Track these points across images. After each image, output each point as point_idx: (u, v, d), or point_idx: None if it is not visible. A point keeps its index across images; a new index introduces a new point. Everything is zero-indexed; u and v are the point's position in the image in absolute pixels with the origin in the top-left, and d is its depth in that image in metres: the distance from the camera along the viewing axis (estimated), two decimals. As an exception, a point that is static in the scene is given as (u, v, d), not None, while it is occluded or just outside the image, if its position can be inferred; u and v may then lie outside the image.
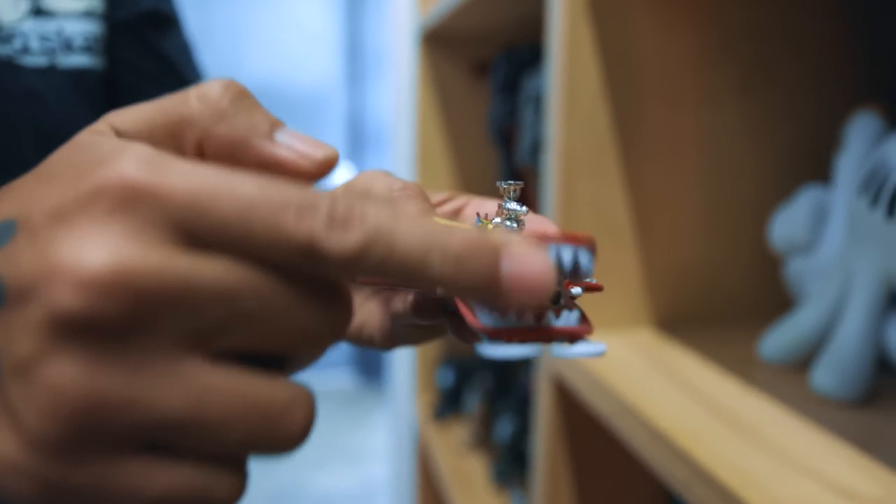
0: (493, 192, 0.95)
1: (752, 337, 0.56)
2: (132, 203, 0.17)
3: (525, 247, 0.18)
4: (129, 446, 0.18)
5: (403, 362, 1.77)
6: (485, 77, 1.25)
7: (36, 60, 0.46)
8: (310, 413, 0.21)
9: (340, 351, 3.67)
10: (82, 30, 0.48)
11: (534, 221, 0.25)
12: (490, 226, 0.23)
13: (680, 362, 0.52)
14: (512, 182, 0.23)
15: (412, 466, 1.62)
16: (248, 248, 0.18)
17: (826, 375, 0.46)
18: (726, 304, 0.62)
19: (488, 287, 0.18)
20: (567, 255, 0.20)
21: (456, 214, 0.30)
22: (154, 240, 0.17)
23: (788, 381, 0.49)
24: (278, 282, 0.19)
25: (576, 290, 0.22)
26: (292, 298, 0.19)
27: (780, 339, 0.52)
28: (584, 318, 0.21)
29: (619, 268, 0.60)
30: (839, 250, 0.51)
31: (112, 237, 0.17)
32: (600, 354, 0.20)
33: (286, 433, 0.20)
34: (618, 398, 0.45)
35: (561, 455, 0.62)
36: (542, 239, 0.20)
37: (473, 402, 1.27)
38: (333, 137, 3.63)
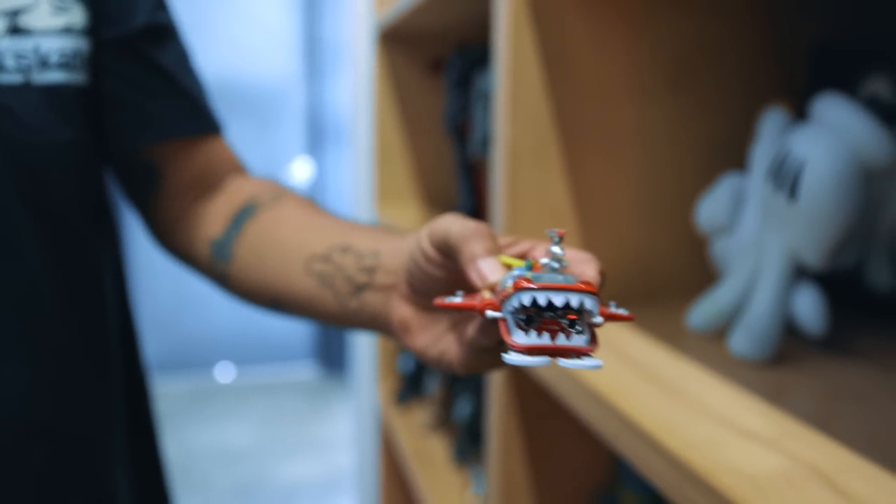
0: (450, 184, 1.03)
1: (681, 310, 0.62)
2: None
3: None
4: None
5: (365, 351, 1.81)
6: (440, 74, 1.29)
7: (10, 78, 0.48)
8: None
9: (303, 343, 3.70)
10: (59, 46, 0.50)
11: (577, 261, 0.32)
12: (537, 266, 0.30)
13: (616, 334, 0.58)
14: (556, 230, 0.30)
15: (376, 452, 1.66)
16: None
17: (741, 339, 0.52)
18: (659, 283, 0.68)
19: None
20: (558, 299, 0.26)
21: (523, 256, 0.35)
22: None
23: (710, 346, 0.55)
24: None
25: (597, 319, 0.28)
26: None
27: (703, 310, 0.58)
28: (593, 338, 0.28)
29: (562, 251, 0.65)
30: (754, 231, 0.57)
31: None
32: (596, 367, 0.27)
33: None
34: (578, 381, 0.51)
35: (513, 427, 0.67)
36: (534, 285, 0.27)
37: (433, 384, 1.32)
38: (292, 133, 3.64)
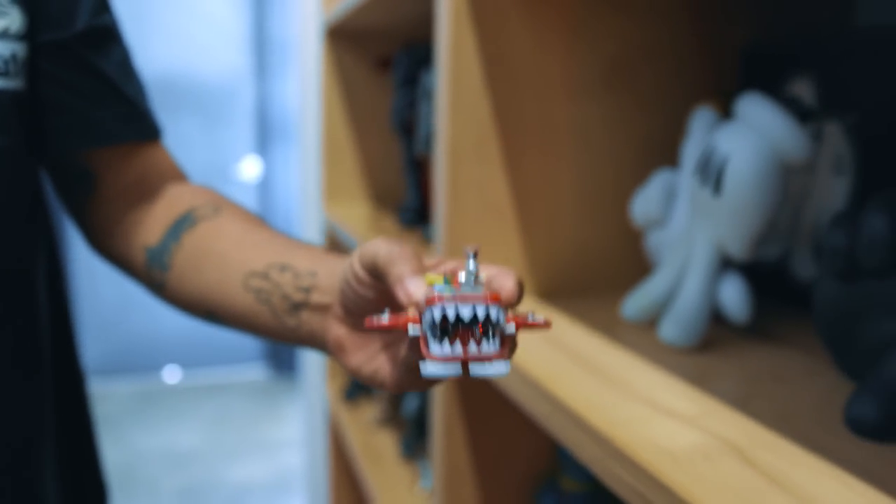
0: (398, 181, 1.04)
1: (616, 301, 0.64)
2: None
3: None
4: None
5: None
6: (388, 71, 1.30)
7: None
8: None
9: (252, 345, 3.66)
10: None
11: (496, 275, 0.33)
12: (455, 281, 0.32)
13: (554, 324, 0.60)
14: (471, 246, 0.32)
15: (326, 451, 1.66)
16: None
17: (670, 327, 0.54)
18: (596, 275, 0.70)
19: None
20: (465, 311, 0.29)
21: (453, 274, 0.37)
22: None
23: (642, 334, 0.57)
24: None
25: (509, 328, 0.30)
26: None
27: (636, 301, 0.60)
28: (503, 346, 0.30)
29: (502, 244, 0.67)
30: (684, 224, 0.59)
31: None
32: (501, 374, 0.29)
33: None
34: (517, 368, 0.52)
35: (456, 418, 0.69)
36: (439, 300, 0.29)
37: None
38: (241, 129, 3.60)
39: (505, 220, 0.67)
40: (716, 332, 0.56)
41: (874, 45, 0.57)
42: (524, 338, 0.56)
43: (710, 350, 0.54)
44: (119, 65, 0.58)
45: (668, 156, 0.68)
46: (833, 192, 0.59)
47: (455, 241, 0.66)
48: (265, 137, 3.62)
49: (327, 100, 1.39)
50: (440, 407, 0.69)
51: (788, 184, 0.54)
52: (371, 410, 1.38)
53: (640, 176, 0.68)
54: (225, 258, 0.50)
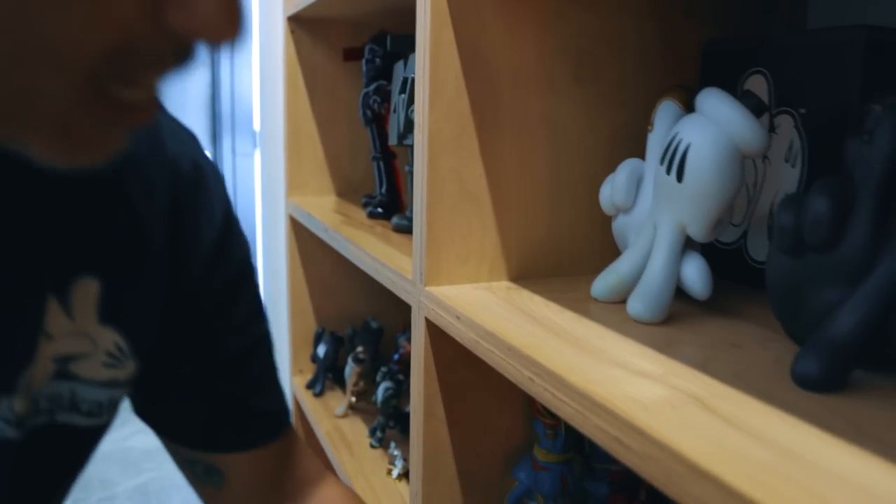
0: (365, 172, 1.08)
1: (586, 283, 0.69)
2: None
3: None
4: None
5: (277, 346, 1.82)
6: (354, 62, 1.32)
7: (40, 419, 0.46)
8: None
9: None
10: (95, 398, 0.48)
11: None
12: None
13: (530, 303, 0.64)
14: None
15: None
16: None
17: (637, 303, 0.59)
18: (567, 259, 0.74)
19: None
20: None
21: None
22: None
23: (611, 311, 0.62)
24: None
25: None
26: None
27: (604, 280, 0.64)
28: None
29: (479, 231, 0.71)
30: (649, 209, 0.64)
31: None
32: None
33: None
34: (481, 326, 0.56)
35: (434, 395, 0.72)
36: None
37: (349, 371, 1.35)
38: (192, 121, 3.57)
39: (481, 207, 0.71)
40: (679, 307, 0.61)
41: (822, 46, 0.63)
42: (501, 311, 0.60)
43: (674, 323, 0.58)
44: (260, 370, 0.60)
45: (635, 146, 0.73)
46: (786, 179, 0.65)
47: (434, 227, 0.69)
48: (219, 125, 3.56)
49: (290, 89, 1.40)
50: (419, 387, 0.72)
51: (745, 171, 0.60)
52: (337, 402, 1.41)
53: (608, 165, 0.73)
54: None
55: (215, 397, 0.57)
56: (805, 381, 0.44)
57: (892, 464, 0.34)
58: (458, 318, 0.61)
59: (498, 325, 0.56)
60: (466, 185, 0.70)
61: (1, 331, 0.41)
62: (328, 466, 1.49)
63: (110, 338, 0.47)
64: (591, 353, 0.50)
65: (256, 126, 3.26)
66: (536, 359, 0.48)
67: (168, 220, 0.50)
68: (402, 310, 1.05)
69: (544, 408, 0.72)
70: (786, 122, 0.66)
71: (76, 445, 0.50)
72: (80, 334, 0.46)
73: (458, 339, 0.62)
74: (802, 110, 0.64)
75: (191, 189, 0.52)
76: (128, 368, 0.50)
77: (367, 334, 1.38)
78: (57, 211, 0.44)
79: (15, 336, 0.42)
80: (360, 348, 1.34)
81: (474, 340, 0.58)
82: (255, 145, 3.30)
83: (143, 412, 0.59)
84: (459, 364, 0.72)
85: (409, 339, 1.22)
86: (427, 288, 0.69)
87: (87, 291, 0.45)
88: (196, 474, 0.60)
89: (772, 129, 0.67)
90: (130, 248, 0.48)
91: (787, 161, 0.65)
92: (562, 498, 0.74)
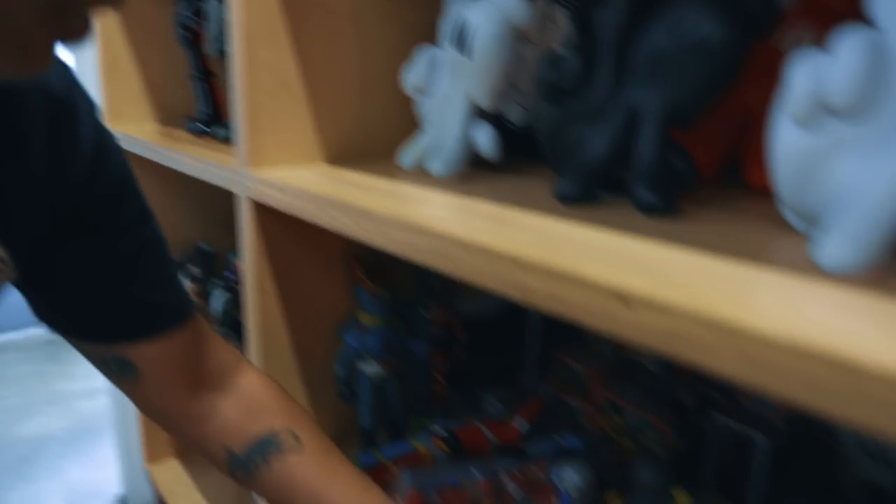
0: (185, 95, 1.11)
1: (395, 160, 0.77)
2: None
3: None
4: None
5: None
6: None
7: None
8: None
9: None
10: None
11: None
12: None
13: (346, 175, 0.71)
14: None
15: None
16: None
17: (436, 164, 0.68)
18: (381, 144, 0.82)
19: None
20: None
21: None
22: None
23: (417, 176, 0.71)
24: None
25: None
26: None
27: (410, 151, 0.73)
28: None
29: (295, 118, 0.77)
30: (445, 88, 0.73)
31: None
32: None
33: None
34: (303, 190, 0.63)
35: (264, 263, 0.78)
36: None
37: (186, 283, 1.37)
38: None
39: (296, 97, 0.77)
40: (473, 171, 0.71)
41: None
42: (319, 180, 0.67)
43: (468, 179, 0.68)
44: (151, 273, 0.64)
45: (431, 37, 0.81)
46: (558, 44, 0.76)
47: (252, 116, 0.75)
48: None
49: (101, 19, 1.37)
50: (251, 266, 0.78)
51: (524, 48, 0.70)
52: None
53: (409, 55, 0.81)
54: (316, 498, 0.62)
55: (112, 295, 0.62)
56: (566, 198, 0.55)
57: (616, 234, 0.45)
58: (280, 190, 0.68)
59: (317, 187, 0.63)
60: (281, 76, 0.75)
61: None
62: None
63: None
64: (400, 198, 0.59)
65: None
66: (353, 203, 0.56)
67: (44, 136, 0.54)
68: (229, 232, 1.09)
69: (365, 274, 0.80)
70: (562, 14, 0.77)
71: None
72: None
73: (281, 209, 0.68)
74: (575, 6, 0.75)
75: (64, 107, 0.56)
76: (7, 274, 0.54)
77: (199, 256, 1.40)
78: None
79: None
80: (195, 269, 1.36)
81: (297, 205, 0.65)
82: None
83: (44, 316, 0.63)
84: (286, 241, 0.78)
85: (239, 257, 1.26)
86: (250, 171, 0.74)
87: None
88: (111, 370, 0.65)
89: (550, 18, 0.78)
90: (9, 165, 0.52)
91: (563, 48, 0.76)
92: (388, 356, 0.83)
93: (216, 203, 1.48)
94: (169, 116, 1.45)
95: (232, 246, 1.45)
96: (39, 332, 3.43)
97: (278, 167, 0.76)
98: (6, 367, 3.08)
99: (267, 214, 0.75)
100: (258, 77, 0.74)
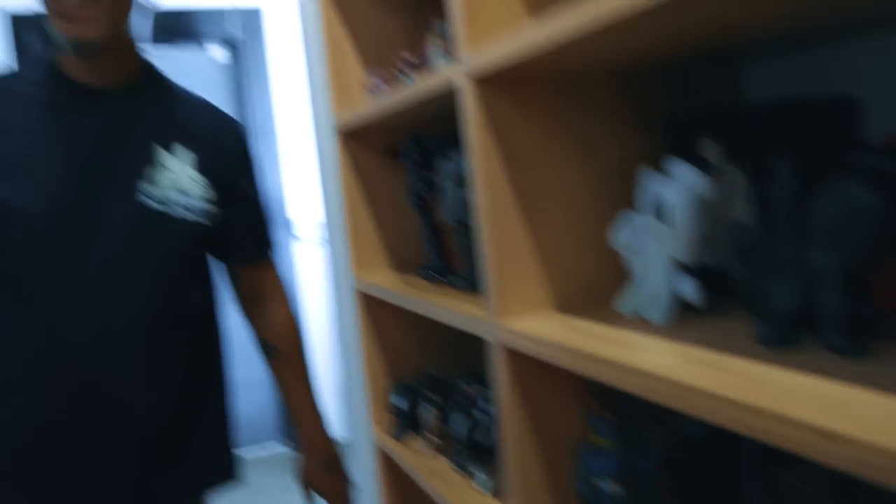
0: (417, 247, 1.47)
1: (606, 308, 0.94)
2: None
3: None
4: None
5: (356, 394, 2.04)
6: (395, 158, 1.60)
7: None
8: None
9: (265, 425, 3.85)
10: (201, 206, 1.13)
11: None
12: None
13: (576, 323, 0.89)
14: None
15: (377, 486, 1.89)
16: None
17: (653, 313, 0.84)
18: (594, 291, 1.00)
19: None
20: None
21: None
22: None
23: (635, 321, 0.87)
24: None
25: None
26: None
27: (627, 301, 0.90)
28: None
29: (529, 276, 0.97)
30: (649, 247, 0.90)
31: None
32: None
33: None
34: (559, 344, 0.81)
35: (516, 398, 0.97)
36: None
37: (429, 415, 1.58)
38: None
39: (529, 261, 0.97)
40: (682, 313, 0.86)
41: (752, 116, 0.89)
42: (559, 330, 0.85)
43: (679, 323, 0.84)
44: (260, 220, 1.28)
45: (627, 200, 0.99)
46: (742, 213, 0.90)
47: (500, 278, 0.95)
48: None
49: (346, 187, 1.68)
50: (505, 404, 0.97)
51: (714, 209, 0.85)
52: (418, 443, 1.62)
53: (613, 218, 0.99)
54: (285, 390, 1.32)
55: (239, 232, 1.23)
56: (765, 342, 0.69)
57: (820, 379, 0.59)
58: (529, 340, 0.87)
59: (558, 336, 0.82)
60: (515, 242, 0.96)
61: (138, 153, 1.07)
62: (420, 493, 1.71)
63: (200, 179, 1.11)
64: (627, 346, 0.75)
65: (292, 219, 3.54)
66: (592, 353, 0.74)
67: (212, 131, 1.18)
68: (447, 359, 1.44)
69: (596, 402, 0.96)
70: (737, 174, 0.92)
71: (180, 234, 1.09)
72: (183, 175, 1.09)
73: (531, 356, 0.87)
74: (746, 163, 0.90)
75: (229, 126, 1.22)
76: (210, 195, 1.12)
77: (433, 382, 1.62)
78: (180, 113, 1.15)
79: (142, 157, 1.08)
80: (433, 395, 1.57)
81: (544, 352, 0.83)
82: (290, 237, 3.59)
83: (210, 247, 1.20)
84: (531, 378, 0.97)
85: (465, 382, 1.46)
86: (500, 321, 0.94)
87: (184, 152, 1.10)
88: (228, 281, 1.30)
89: (725, 180, 0.93)
90: (200, 139, 1.13)
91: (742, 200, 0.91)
92: (621, 475, 0.97)
93: (436, 334, 1.71)
94: (405, 262, 1.72)
95: (453, 370, 1.66)
96: (275, 450, 3.83)
97: (519, 317, 0.95)
98: (251, 482, 3.47)
99: (515, 357, 0.94)
100: (500, 245, 0.95)
